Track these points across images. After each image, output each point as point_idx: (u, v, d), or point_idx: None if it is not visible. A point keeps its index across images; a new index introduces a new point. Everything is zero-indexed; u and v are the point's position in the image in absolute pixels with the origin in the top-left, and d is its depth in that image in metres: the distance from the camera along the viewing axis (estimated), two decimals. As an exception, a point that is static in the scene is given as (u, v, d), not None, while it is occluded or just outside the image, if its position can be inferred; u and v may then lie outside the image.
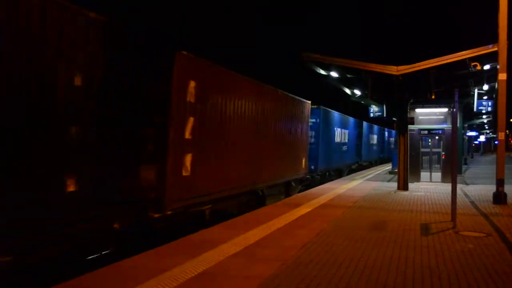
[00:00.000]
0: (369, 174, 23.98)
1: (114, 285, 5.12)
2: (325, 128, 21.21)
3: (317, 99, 20.68)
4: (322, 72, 16.20)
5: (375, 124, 36.94)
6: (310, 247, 6.96)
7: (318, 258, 6.32)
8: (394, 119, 20.68)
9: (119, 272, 5.53)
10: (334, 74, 16.26)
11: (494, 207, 11.75)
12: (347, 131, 26.27)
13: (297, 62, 18.66)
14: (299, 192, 16.33)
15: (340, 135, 24.25)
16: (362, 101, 20.08)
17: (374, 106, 19.11)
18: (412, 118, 18.80)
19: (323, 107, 20.72)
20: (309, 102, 18.44)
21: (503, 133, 12.85)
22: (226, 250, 6.64)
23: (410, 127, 17.86)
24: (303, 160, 17.64)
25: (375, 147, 38.33)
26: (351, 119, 28.26)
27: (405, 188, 15.76)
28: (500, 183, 12.48)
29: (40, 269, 6.19)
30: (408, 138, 16.70)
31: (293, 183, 16.92)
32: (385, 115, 19.00)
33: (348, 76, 16.57)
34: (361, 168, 30.12)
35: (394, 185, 16.64)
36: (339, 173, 24.92)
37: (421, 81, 15.30)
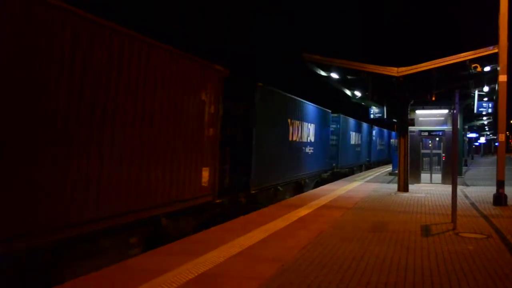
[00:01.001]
0: (369, 176, 23.98)
1: (116, 286, 5.13)
2: (266, 119, 13.43)
3: (318, 100, 20.28)
4: (323, 73, 16.22)
5: (358, 120, 29.80)
6: (311, 248, 6.96)
7: (318, 259, 6.33)
8: (394, 120, 20.69)
9: (121, 273, 5.53)
10: (334, 75, 16.28)
11: (494, 209, 11.76)
12: (312, 125, 18.43)
13: (298, 62, 17.50)
14: (192, 233, 8.70)
15: (298, 131, 16.59)
16: (362, 103, 20.09)
17: (374, 107, 19.13)
18: (413, 120, 18.84)
19: (260, 83, 12.86)
20: (222, 69, 10.46)
21: (503, 135, 12.86)
22: (227, 251, 6.65)
23: (411, 128, 17.89)
24: (205, 173, 9.76)
25: (359, 149, 29.82)
26: (318, 110, 19.93)
27: (406, 189, 15.77)
28: (500, 184, 12.49)
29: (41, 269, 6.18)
30: (409, 139, 16.71)
31: (164, 221, 8.36)
32: (385, 116, 19.03)
33: (349, 77, 16.61)
34: (336, 176, 22.76)
35: (394, 186, 16.64)
36: (296, 188, 17.03)
37: (421, 83, 15.34)
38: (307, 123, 17.89)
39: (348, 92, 18.83)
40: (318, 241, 7.52)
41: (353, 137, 27.97)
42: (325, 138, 21.24)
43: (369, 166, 33.61)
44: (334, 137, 23.65)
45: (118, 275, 5.45)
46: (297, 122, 16.55)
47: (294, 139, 16.29)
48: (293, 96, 16.37)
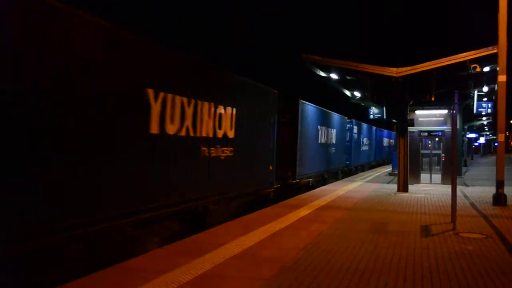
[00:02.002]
0: (368, 176, 23.98)
1: (115, 286, 5.13)
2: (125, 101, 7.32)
3: (319, 100, 20.05)
4: (322, 74, 16.23)
5: (328, 110, 21.76)
6: (311, 249, 6.96)
7: (318, 259, 6.33)
8: (394, 120, 20.71)
9: (120, 274, 5.53)
10: (334, 76, 16.28)
11: (494, 209, 11.76)
12: (230, 109, 11.05)
13: (298, 63, 16.90)
14: None
15: (181, 117, 8.94)
16: (362, 103, 20.11)
17: (374, 108, 19.15)
18: (412, 120, 18.86)
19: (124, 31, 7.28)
20: None
21: (502, 135, 12.87)
22: (226, 252, 6.65)
23: (410, 128, 17.90)
24: None
25: (333, 150, 22.51)
26: (243, 84, 12.21)
27: (405, 190, 15.77)
28: (500, 184, 12.50)
29: (40, 271, 6.18)
30: (408, 140, 16.72)
31: None
32: (385, 117, 19.06)
33: (348, 78, 16.60)
34: (295, 190, 16.13)
35: (394, 187, 16.65)
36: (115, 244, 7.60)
37: (420, 83, 15.35)
38: (208, 104, 9.97)
39: (347, 93, 18.85)
40: (318, 241, 7.52)
41: (322, 134, 20.13)
42: (261, 134, 12.99)
43: (349, 172, 26.44)
44: (296, 134, 16.46)
45: (117, 276, 5.45)
46: (172, 97, 8.51)
47: (169, 132, 8.42)
48: (155, 42, 8.45)
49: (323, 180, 20.89)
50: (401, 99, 16.18)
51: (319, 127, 19.79)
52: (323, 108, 20.80)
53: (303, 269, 5.83)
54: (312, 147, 18.61)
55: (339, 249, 7.01)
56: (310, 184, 17.97)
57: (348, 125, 27.00)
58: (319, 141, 19.91)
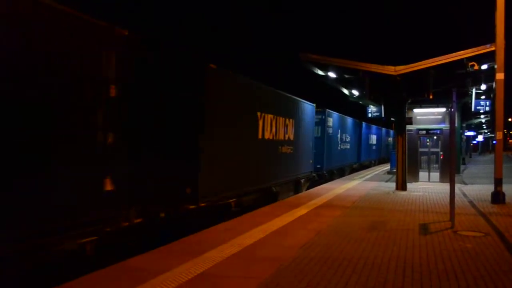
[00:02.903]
0: (367, 175, 24.01)
1: (114, 286, 5.12)
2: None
3: (318, 99, 19.92)
4: (320, 72, 16.21)
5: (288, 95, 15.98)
6: (309, 247, 6.96)
7: (317, 258, 6.34)
8: (392, 119, 20.70)
9: (119, 273, 5.53)
10: (332, 74, 16.27)
11: (492, 207, 11.77)
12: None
13: (297, 62, 16.62)
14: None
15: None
16: (360, 102, 20.12)
17: (372, 106, 19.15)
18: (410, 118, 18.87)
19: None
20: None
21: (501, 133, 12.89)
22: (225, 251, 6.65)
23: (408, 127, 17.92)
24: None
25: (291, 150, 15.88)
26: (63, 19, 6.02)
27: (404, 188, 15.78)
28: (498, 182, 12.51)
29: (42, 270, 6.17)
30: (406, 138, 16.73)
31: None
32: (383, 115, 19.05)
33: (346, 76, 16.59)
34: (193, 222, 9.31)
35: (393, 185, 16.66)
36: None
37: (419, 81, 15.34)
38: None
39: (345, 91, 18.85)
40: (317, 240, 7.52)
41: (266, 125, 13.51)
42: (68, 120, 6.23)
43: (321, 178, 20.30)
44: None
45: (116, 275, 5.45)
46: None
47: None
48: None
49: (269, 195, 13.95)
50: (400, 97, 16.18)
51: (259, 114, 13.06)
52: (269, 88, 14.13)
53: (302, 268, 5.83)
54: (241, 146, 11.98)
55: (338, 247, 7.01)
56: (233, 208, 11.43)
57: (319, 116, 20.16)
58: (260, 137, 13.16)
